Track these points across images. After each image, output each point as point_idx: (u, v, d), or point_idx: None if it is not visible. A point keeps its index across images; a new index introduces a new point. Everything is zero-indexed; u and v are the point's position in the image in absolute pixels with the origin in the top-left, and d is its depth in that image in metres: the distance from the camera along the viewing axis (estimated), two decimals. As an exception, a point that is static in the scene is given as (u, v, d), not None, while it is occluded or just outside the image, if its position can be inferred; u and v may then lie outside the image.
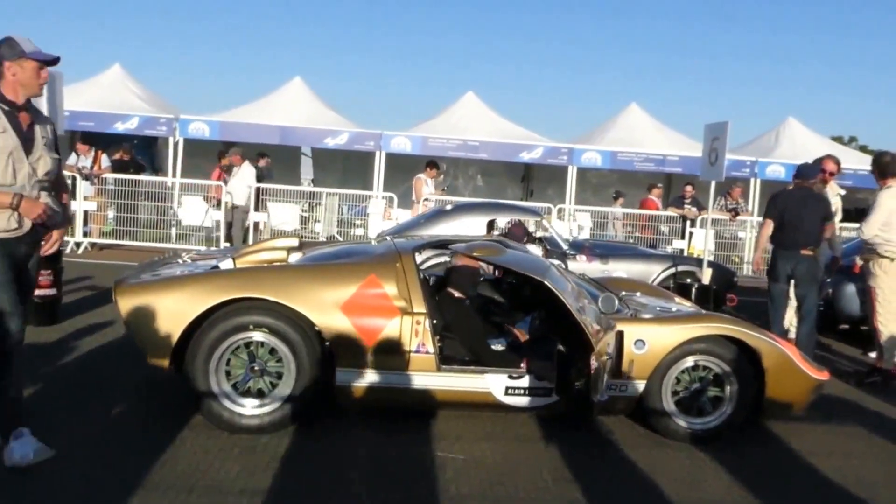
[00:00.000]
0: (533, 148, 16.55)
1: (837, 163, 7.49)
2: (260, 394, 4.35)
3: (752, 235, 13.70)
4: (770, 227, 6.86)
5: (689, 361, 4.64)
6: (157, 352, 4.31)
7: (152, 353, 4.34)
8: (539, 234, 8.89)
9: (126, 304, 4.32)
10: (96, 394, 4.81)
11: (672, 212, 14.06)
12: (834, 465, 4.43)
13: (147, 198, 13.40)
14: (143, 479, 3.61)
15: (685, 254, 12.09)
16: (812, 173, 6.93)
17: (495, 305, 5.69)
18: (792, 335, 7.05)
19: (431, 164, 13.16)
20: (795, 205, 6.74)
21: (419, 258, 5.95)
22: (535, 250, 7.66)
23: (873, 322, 6.53)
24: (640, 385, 4.54)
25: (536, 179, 19.38)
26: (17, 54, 3.52)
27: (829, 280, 7.91)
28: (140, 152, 15.72)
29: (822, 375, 4.84)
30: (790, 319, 7.26)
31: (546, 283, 4.33)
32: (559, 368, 4.49)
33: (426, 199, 12.33)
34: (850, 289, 7.96)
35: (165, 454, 3.91)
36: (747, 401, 4.64)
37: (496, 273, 6.30)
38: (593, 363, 4.17)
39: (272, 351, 4.34)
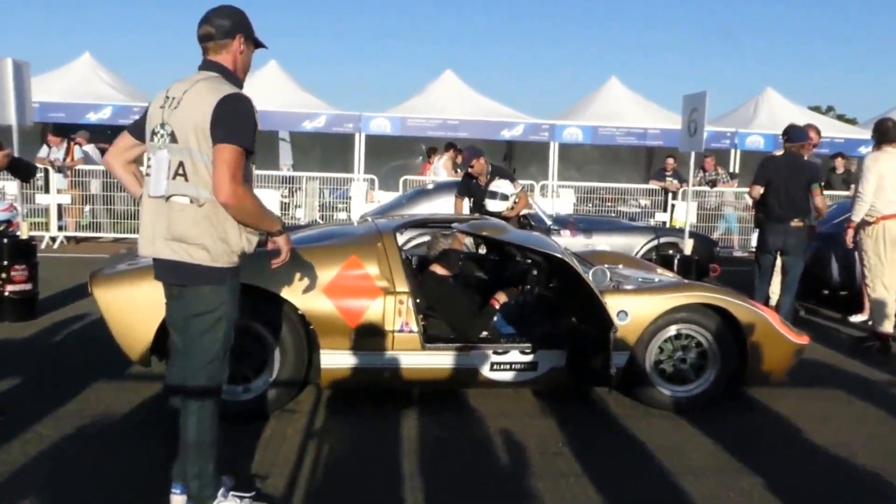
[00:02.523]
0: (514, 125, 16.56)
1: (818, 133, 7.57)
2: (245, 379, 4.37)
3: (738, 206, 13.77)
4: (757, 190, 6.83)
5: (672, 330, 4.71)
6: (134, 343, 4.28)
7: (130, 345, 4.31)
8: (524, 211, 8.92)
9: (103, 295, 4.29)
10: (75, 389, 4.80)
11: (654, 185, 14.13)
12: (814, 428, 4.51)
13: (124, 188, 13.29)
14: (121, 474, 3.62)
15: (667, 226, 12.18)
16: (802, 136, 6.94)
17: (478, 282, 5.73)
18: (773, 303, 7.14)
19: (451, 145, 13.37)
20: (782, 172, 6.72)
21: (401, 238, 5.99)
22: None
23: (864, 287, 6.64)
24: (624, 356, 4.60)
25: (518, 157, 19.40)
26: None
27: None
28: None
29: (803, 340, 4.93)
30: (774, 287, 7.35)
31: (565, 259, 4.38)
32: (571, 343, 4.57)
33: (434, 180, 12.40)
34: (830, 255, 8.06)
35: (146, 446, 3.92)
36: (730, 367, 4.72)
37: (478, 250, 6.34)
38: (612, 338, 4.26)
39: (256, 337, 4.35)
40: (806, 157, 7.30)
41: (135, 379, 4.98)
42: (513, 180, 7.34)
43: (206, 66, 3.00)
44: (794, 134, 6.91)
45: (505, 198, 7.11)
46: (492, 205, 7.10)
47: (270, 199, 13.09)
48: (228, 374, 3.15)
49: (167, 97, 2.94)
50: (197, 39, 3.01)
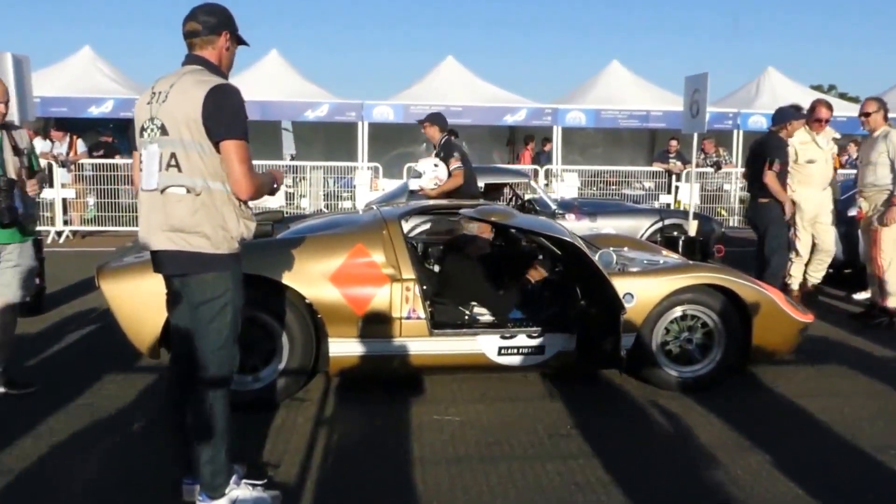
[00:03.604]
0: (516, 110, 16.52)
1: (830, 108, 7.53)
2: (253, 369, 4.40)
3: (738, 187, 13.79)
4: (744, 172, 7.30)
5: (678, 311, 4.72)
6: (143, 334, 4.30)
7: (138, 337, 4.33)
8: (528, 196, 8.94)
9: (111, 288, 4.30)
10: (85, 382, 4.83)
11: (657, 167, 14.12)
12: (820, 405, 4.52)
13: (128, 182, 13.31)
14: (133, 465, 3.66)
15: (671, 208, 12.17)
16: (781, 118, 7.06)
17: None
18: (795, 285, 7.38)
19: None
20: (750, 151, 7.22)
21: (406, 225, 6.00)
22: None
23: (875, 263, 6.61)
24: (631, 338, 4.61)
25: (521, 143, 19.35)
26: None
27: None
28: (117, 136, 15.62)
29: (807, 318, 4.94)
30: (800, 270, 7.44)
31: (574, 243, 4.40)
32: (581, 326, 4.61)
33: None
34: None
35: (157, 437, 3.92)
36: (735, 347, 4.73)
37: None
38: (621, 320, 4.30)
39: (264, 327, 4.38)
40: (820, 136, 7.28)
41: (144, 371, 5.01)
42: (457, 158, 7.01)
43: (191, 60, 3.05)
44: (774, 116, 7.18)
45: (418, 175, 6.94)
46: (412, 183, 7.04)
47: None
48: (238, 362, 3.18)
49: (153, 93, 2.99)
50: (182, 35, 3.06)
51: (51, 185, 11.96)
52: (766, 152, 6.84)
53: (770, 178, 6.75)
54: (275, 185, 3.14)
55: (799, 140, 7.16)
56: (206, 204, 2.91)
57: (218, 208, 2.94)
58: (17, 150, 4.51)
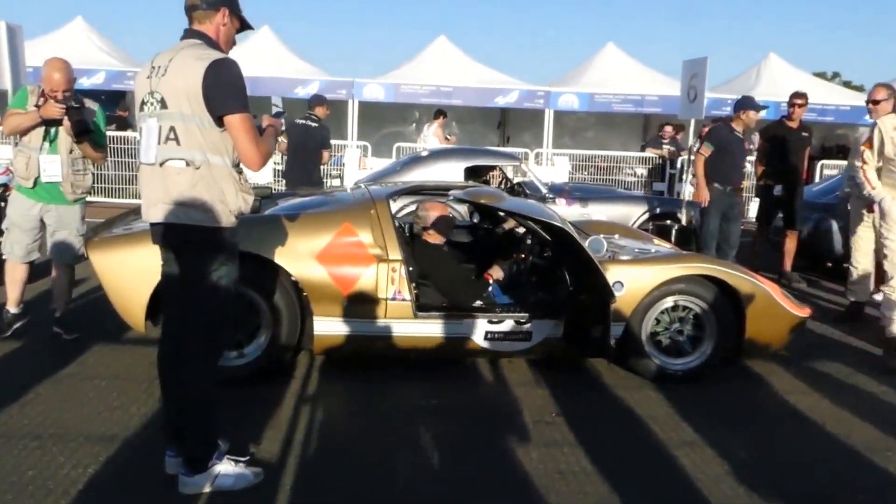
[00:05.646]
0: (508, 92, 16.42)
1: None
2: (238, 345, 4.38)
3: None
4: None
5: (669, 302, 4.72)
6: (130, 307, 4.33)
7: (126, 309, 4.36)
8: (518, 179, 8.90)
9: (100, 259, 4.31)
10: (73, 352, 4.81)
11: (650, 153, 14.09)
12: (813, 402, 4.53)
13: (117, 154, 13.19)
14: (119, 436, 3.65)
15: (665, 195, 12.17)
16: (736, 106, 7.45)
17: (472, 250, 5.73)
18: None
19: (440, 112, 13.25)
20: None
21: (394, 206, 5.96)
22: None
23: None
24: (620, 327, 4.61)
25: (513, 125, 19.31)
26: None
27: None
28: (108, 108, 15.49)
29: (804, 312, 4.94)
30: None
31: (565, 229, 4.37)
32: (569, 314, 4.59)
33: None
34: (831, 226, 8.07)
35: (145, 409, 3.95)
36: (727, 340, 4.73)
37: (472, 220, 6.33)
38: (612, 311, 4.29)
39: (250, 303, 4.36)
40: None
41: (133, 343, 5.01)
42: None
43: (190, 34, 3.09)
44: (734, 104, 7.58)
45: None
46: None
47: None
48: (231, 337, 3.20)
49: (153, 67, 3.02)
50: (183, 9, 3.10)
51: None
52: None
53: (697, 161, 7.12)
54: (279, 139, 3.19)
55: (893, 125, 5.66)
56: (205, 177, 2.95)
57: (217, 182, 2.98)
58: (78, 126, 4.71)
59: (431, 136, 13.32)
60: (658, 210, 8.72)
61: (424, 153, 9.41)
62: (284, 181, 9.17)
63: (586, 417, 4.15)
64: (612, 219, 7.77)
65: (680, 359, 4.76)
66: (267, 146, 3.06)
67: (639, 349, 4.70)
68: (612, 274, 4.54)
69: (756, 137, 9.03)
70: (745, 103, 7.32)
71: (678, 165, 13.24)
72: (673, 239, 7.78)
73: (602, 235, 5.27)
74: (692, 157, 8.14)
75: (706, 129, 7.24)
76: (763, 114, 7.68)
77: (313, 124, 8.72)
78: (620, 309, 4.55)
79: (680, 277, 4.67)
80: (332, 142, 13.54)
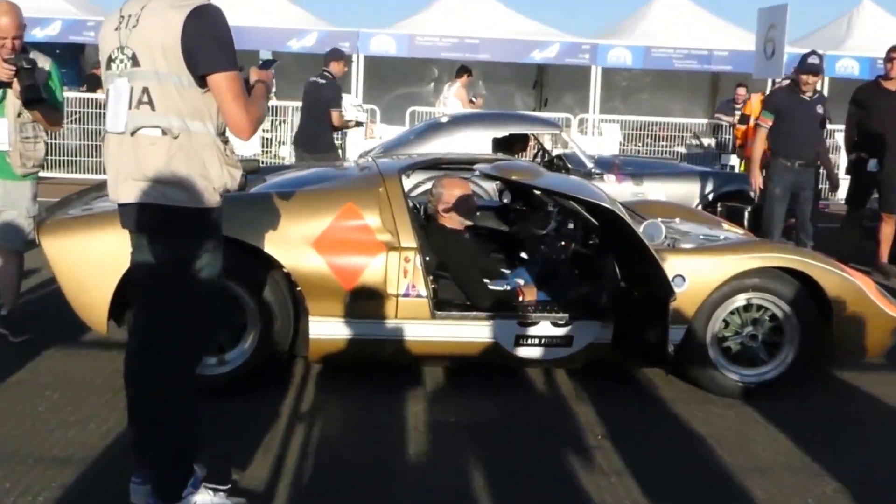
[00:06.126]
0: (547, 45, 16.37)
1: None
2: (218, 350, 4.39)
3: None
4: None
5: (740, 300, 4.67)
6: (89, 303, 4.34)
7: (84, 306, 4.38)
8: (558, 150, 8.88)
9: (53, 246, 4.31)
10: (23, 356, 4.84)
11: (720, 120, 13.98)
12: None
13: (79, 119, 13.26)
14: (73, 454, 3.67)
15: (737, 171, 12.06)
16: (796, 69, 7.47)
17: (497, 240, 5.72)
18: None
19: (464, 70, 13.19)
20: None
21: (407, 182, 5.95)
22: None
23: None
24: (680, 331, 4.57)
25: (552, 85, 19.24)
26: None
27: None
28: (65, 64, 15.61)
29: (904, 313, 4.88)
30: None
31: (615, 211, 4.33)
32: (619, 314, 4.58)
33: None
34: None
35: (103, 424, 3.97)
36: (812, 346, 4.68)
37: (502, 200, 6.30)
38: (670, 310, 4.25)
39: (235, 298, 4.36)
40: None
41: (93, 347, 5.04)
42: None
43: None
44: None
45: None
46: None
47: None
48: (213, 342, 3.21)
49: (122, 16, 2.99)
50: None
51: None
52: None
53: (757, 135, 7.28)
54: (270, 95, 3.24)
55: None
56: (184, 148, 2.93)
57: (198, 153, 2.96)
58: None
59: (453, 99, 13.26)
60: (728, 189, 8.65)
61: (444, 119, 9.41)
62: (293, 147, 9.51)
63: (639, 440, 4.13)
64: (671, 199, 7.73)
65: (753, 369, 4.72)
66: (258, 109, 3.05)
67: (703, 357, 4.66)
68: (672, 266, 4.49)
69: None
70: (800, 62, 7.21)
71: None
72: (746, 223, 7.70)
73: (660, 219, 5.22)
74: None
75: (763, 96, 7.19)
76: (856, 71, 7.60)
77: (322, 81, 8.75)
78: (681, 308, 4.51)
79: (754, 270, 4.62)
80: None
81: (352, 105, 9.72)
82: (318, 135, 8.82)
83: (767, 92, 9.46)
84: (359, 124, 10.05)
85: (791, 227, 7.73)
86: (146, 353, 3.10)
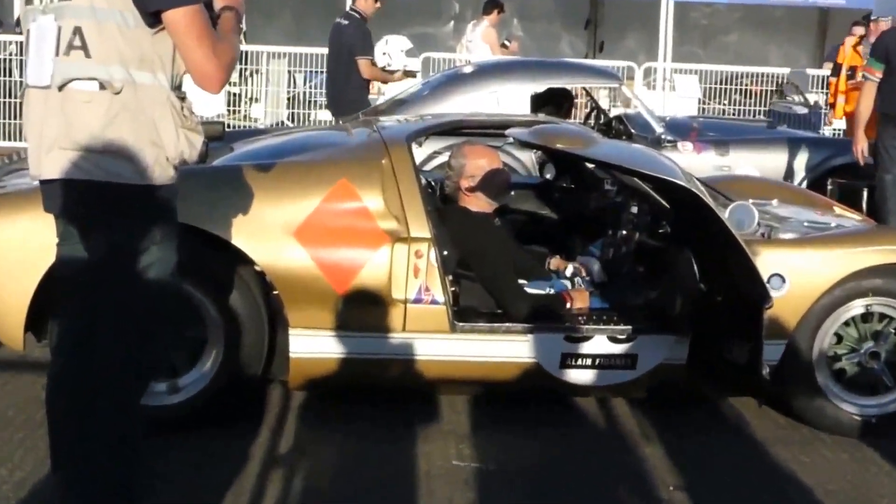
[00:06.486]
0: (603, -29, 16.39)
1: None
2: (171, 372, 4.41)
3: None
4: None
5: (858, 307, 4.67)
6: (4, 312, 4.33)
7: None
8: (618, 110, 8.86)
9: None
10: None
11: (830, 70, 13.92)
12: None
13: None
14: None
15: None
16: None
17: (536, 227, 5.72)
18: None
19: (494, 4, 13.19)
20: None
21: (419, 152, 5.95)
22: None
23: None
24: (778, 348, 4.56)
25: (609, 24, 19.23)
26: None
27: None
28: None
29: None
30: None
31: (692, 191, 4.32)
32: (697, 326, 4.59)
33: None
34: None
35: (17, 462, 3.99)
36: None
37: (543, 175, 6.31)
38: (765, 321, 4.25)
39: (190, 306, 4.37)
40: None
41: (5, 368, 5.08)
42: None
43: None
44: None
45: None
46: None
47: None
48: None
49: None
50: None
51: None
52: None
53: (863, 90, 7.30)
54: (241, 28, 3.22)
55: None
56: (128, 107, 2.90)
57: (147, 113, 2.93)
58: None
59: (479, 42, 13.28)
60: (840, 160, 8.61)
61: (468, 69, 9.42)
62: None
63: (723, 489, 4.13)
64: (766, 174, 7.72)
65: (875, 398, 4.73)
66: (231, 49, 3.02)
67: (808, 381, 4.66)
68: (768, 262, 4.50)
69: None
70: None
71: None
72: (864, 206, 7.67)
73: (751, 201, 5.22)
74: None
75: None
76: None
77: (345, 22, 8.83)
78: (780, 318, 4.51)
79: (876, 268, 4.62)
80: (319, 51, 13.63)
81: (400, 51, 9.72)
82: (339, 90, 8.85)
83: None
84: (409, 74, 10.01)
85: None
86: (75, 376, 3.09)
